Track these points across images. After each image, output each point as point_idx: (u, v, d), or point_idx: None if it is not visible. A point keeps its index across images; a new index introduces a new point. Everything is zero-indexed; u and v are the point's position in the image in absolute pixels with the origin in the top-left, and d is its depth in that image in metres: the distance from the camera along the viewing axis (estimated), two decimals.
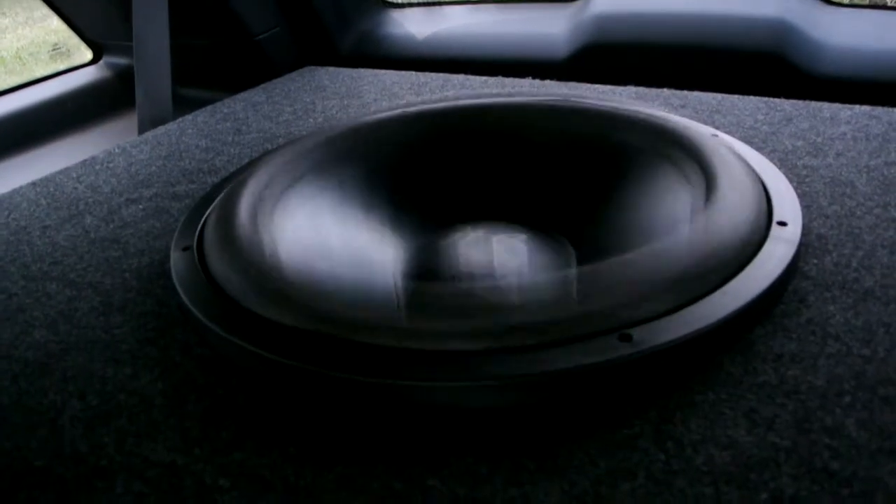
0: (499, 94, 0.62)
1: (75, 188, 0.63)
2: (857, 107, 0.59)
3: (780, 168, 0.49)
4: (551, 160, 0.52)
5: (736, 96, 0.64)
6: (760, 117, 0.60)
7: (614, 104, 0.54)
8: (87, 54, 1.08)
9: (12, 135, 0.92)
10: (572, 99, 0.55)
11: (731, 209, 0.40)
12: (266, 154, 0.57)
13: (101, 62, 1.06)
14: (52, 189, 0.63)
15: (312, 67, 0.90)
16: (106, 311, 0.44)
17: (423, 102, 0.60)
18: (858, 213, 0.45)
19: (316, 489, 0.30)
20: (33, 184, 0.65)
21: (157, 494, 0.31)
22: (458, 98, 0.59)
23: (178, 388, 0.37)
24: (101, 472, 0.32)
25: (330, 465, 0.31)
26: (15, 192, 0.63)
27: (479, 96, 0.60)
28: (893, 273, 0.39)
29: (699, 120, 0.59)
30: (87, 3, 0.99)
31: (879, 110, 0.58)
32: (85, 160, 0.68)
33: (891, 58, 0.68)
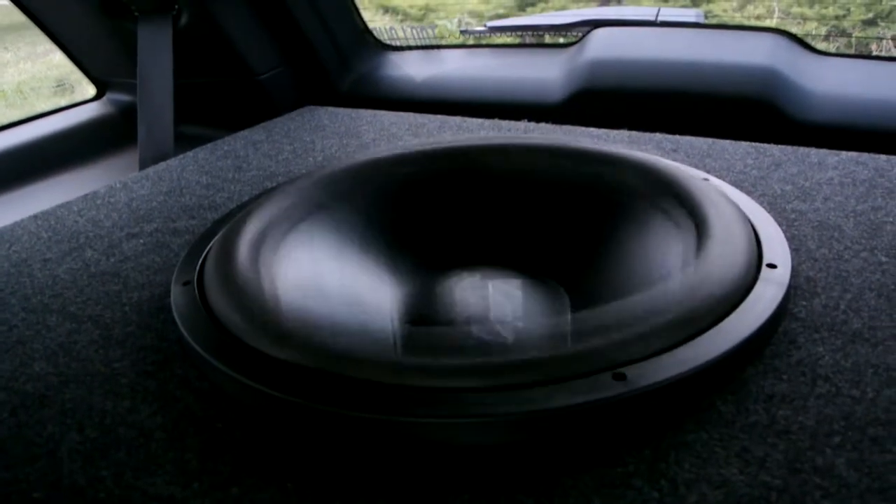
0: (494, 138, 0.63)
1: (76, 222, 0.63)
2: (843, 153, 0.61)
3: (769, 211, 0.50)
4: (544, 204, 0.53)
5: (726, 141, 0.66)
6: (750, 162, 0.61)
7: (607, 148, 0.55)
8: (90, 90, 1.10)
9: (15, 168, 0.93)
10: (566, 143, 0.57)
11: (723, 251, 0.42)
12: (266, 192, 0.58)
13: (105, 98, 1.08)
14: (53, 222, 0.64)
15: (312, 107, 0.92)
16: (106, 345, 0.45)
17: (420, 144, 0.61)
18: (846, 256, 0.46)
19: None
20: (34, 217, 0.65)
21: None
22: (453, 142, 0.60)
23: (177, 421, 0.37)
24: None
25: (328, 501, 0.31)
26: (16, 224, 0.64)
27: (471, 141, 0.61)
28: (881, 315, 0.40)
29: (690, 164, 0.60)
30: (93, 41, 1.01)
31: (866, 156, 0.60)
32: (86, 194, 0.69)
33: (877, 105, 0.70)
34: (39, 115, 1.01)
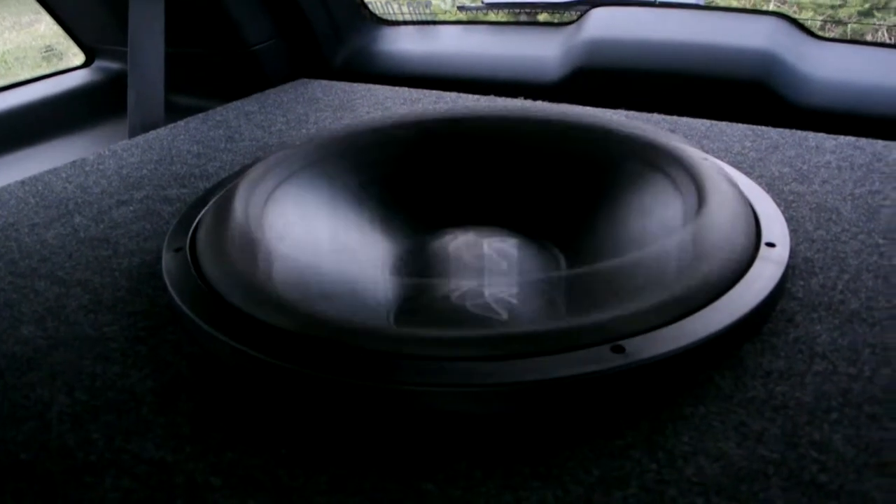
0: (492, 108, 0.63)
1: (65, 188, 0.62)
2: (841, 137, 0.61)
3: (767, 192, 0.50)
4: (545, 176, 0.53)
5: (724, 123, 0.66)
6: (748, 144, 0.61)
7: (609, 122, 0.55)
8: (76, 59, 1.08)
9: (1, 134, 0.92)
10: (568, 114, 0.56)
11: (722, 228, 0.41)
12: (259, 160, 0.57)
13: (94, 66, 1.06)
14: (40, 188, 0.63)
15: (306, 80, 0.90)
16: (95, 309, 0.44)
17: (417, 113, 0.60)
18: (844, 238, 0.46)
19: (308, 490, 0.30)
20: (22, 182, 0.64)
21: (146, 491, 0.31)
22: (450, 109, 0.60)
23: (168, 386, 0.37)
24: (89, 468, 0.32)
25: (323, 467, 0.31)
26: (3, 189, 0.63)
27: (472, 108, 0.60)
28: (878, 296, 0.40)
29: (688, 144, 0.60)
30: (84, 8, 0.99)
31: (863, 141, 0.60)
32: (75, 161, 0.68)
33: (875, 91, 0.70)
34: (28, 81, 0.99)
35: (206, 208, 0.50)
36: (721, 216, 0.42)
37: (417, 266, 0.48)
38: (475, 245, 0.46)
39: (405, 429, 0.33)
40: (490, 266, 0.44)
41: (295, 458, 0.32)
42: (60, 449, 0.33)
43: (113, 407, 0.35)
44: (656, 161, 0.49)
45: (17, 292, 0.46)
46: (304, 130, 0.72)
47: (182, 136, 0.73)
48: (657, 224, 0.45)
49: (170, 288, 0.42)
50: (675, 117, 0.68)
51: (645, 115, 0.69)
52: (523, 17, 1.14)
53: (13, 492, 0.31)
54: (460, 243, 0.46)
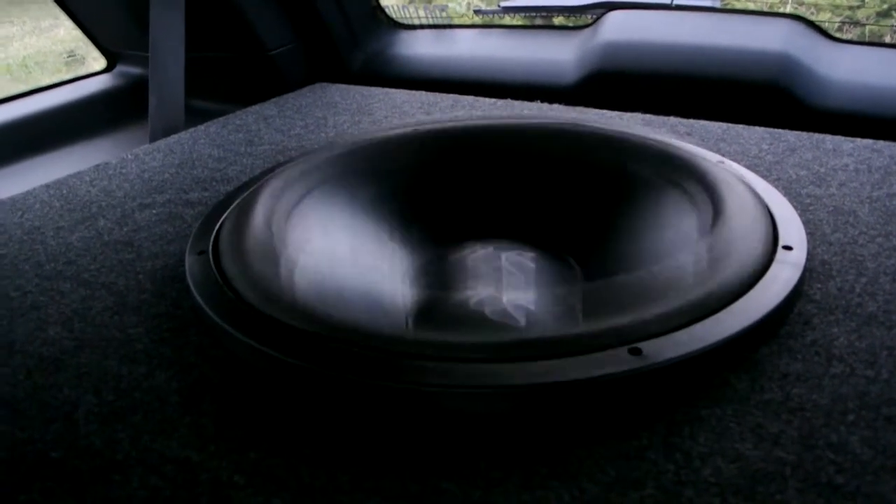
0: (510, 116, 0.63)
1: (88, 191, 0.63)
2: (859, 140, 0.61)
3: (784, 195, 0.50)
4: (562, 180, 0.53)
5: (741, 126, 0.66)
6: (765, 147, 0.61)
7: (623, 129, 0.55)
8: (96, 64, 1.10)
9: (25, 138, 0.93)
10: (583, 124, 0.56)
11: (739, 231, 0.42)
12: (280, 165, 0.58)
13: (115, 71, 1.08)
14: (65, 192, 0.64)
15: (324, 84, 0.91)
16: (120, 311, 0.45)
17: (435, 121, 0.61)
18: (861, 241, 0.46)
19: (330, 489, 0.31)
20: (46, 186, 0.65)
21: (172, 489, 0.31)
22: (468, 119, 0.60)
23: (193, 387, 0.37)
24: (116, 466, 0.33)
25: (344, 467, 0.32)
26: (28, 193, 0.64)
27: (489, 118, 0.61)
28: None
29: (705, 147, 0.60)
30: (105, 13, 1.00)
31: (881, 144, 0.60)
32: (98, 165, 0.69)
33: (892, 93, 0.70)
34: (51, 86, 1.00)
35: (229, 212, 0.51)
36: (738, 220, 0.42)
37: (439, 274, 0.48)
38: (493, 259, 0.46)
39: (425, 430, 0.33)
40: (509, 284, 0.45)
41: (317, 458, 0.32)
42: (88, 448, 0.34)
43: (139, 407, 0.36)
44: (672, 169, 0.49)
45: (43, 294, 0.47)
46: (322, 135, 0.73)
47: (202, 141, 0.74)
48: (675, 229, 0.45)
49: (193, 290, 0.43)
50: (691, 120, 0.68)
51: (661, 118, 0.69)
52: (539, 21, 1.14)
53: (42, 490, 0.32)
54: (478, 257, 0.47)
